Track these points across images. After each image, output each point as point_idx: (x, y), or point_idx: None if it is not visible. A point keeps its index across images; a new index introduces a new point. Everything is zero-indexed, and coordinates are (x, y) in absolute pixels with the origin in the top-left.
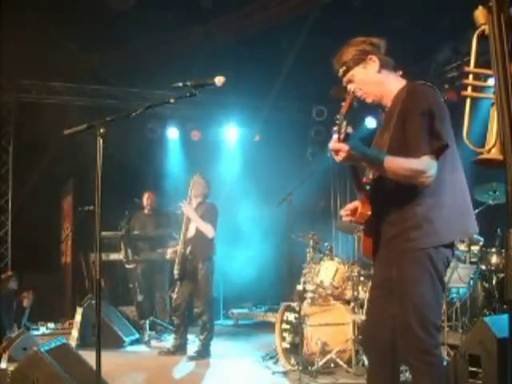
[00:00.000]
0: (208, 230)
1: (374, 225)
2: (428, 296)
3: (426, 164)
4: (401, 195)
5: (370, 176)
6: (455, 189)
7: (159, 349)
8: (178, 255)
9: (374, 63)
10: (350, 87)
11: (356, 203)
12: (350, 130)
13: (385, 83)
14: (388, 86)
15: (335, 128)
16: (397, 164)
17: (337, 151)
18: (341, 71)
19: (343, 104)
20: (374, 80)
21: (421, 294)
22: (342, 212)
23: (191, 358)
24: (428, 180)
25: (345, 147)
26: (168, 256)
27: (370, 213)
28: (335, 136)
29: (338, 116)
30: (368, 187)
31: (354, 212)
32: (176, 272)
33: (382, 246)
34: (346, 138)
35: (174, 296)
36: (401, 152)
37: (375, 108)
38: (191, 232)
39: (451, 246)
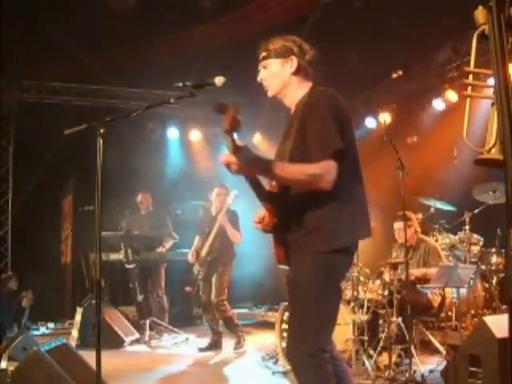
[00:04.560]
0: (237, 237)
1: (281, 231)
2: (316, 299)
3: (324, 168)
4: (301, 201)
5: (273, 183)
6: (353, 194)
7: (159, 349)
8: (201, 259)
9: (291, 64)
10: (261, 73)
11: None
12: (240, 143)
13: (291, 86)
14: (294, 91)
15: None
16: (293, 171)
17: (228, 164)
18: (261, 55)
19: (225, 119)
20: (282, 78)
21: (309, 297)
22: (255, 219)
23: (235, 348)
24: (328, 184)
25: (235, 160)
26: (189, 259)
27: (276, 220)
28: (227, 150)
29: (223, 131)
30: (271, 195)
31: (263, 220)
32: (199, 273)
33: (289, 247)
34: (236, 151)
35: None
36: (303, 158)
37: (374, 109)
38: (217, 239)
39: (348, 250)
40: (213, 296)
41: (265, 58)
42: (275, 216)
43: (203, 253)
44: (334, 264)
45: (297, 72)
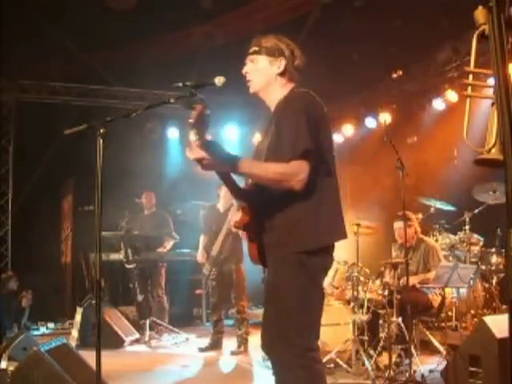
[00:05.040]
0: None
1: (255, 230)
2: (299, 300)
3: (294, 168)
4: (276, 201)
5: (249, 181)
6: (327, 194)
7: (159, 349)
8: (212, 258)
9: (279, 65)
10: (247, 66)
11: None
12: (208, 137)
13: (274, 87)
14: (276, 92)
15: (193, 137)
16: (263, 169)
17: (199, 160)
18: (252, 49)
19: (193, 114)
20: (267, 77)
21: (291, 298)
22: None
23: (233, 353)
24: (298, 184)
25: (205, 155)
26: (199, 259)
27: (248, 219)
28: (194, 144)
29: (189, 125)
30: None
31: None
32: (209, 273)
33: (265, 249)
34: (206, 146)
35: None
36: (277, 158)
37: (374, 109)
38: (228, 237)
39: (327, 250)
40: (233, 296)
41: (255, 52)
42: (249, 214)
43: (214, 252)
44: (313, 264)
45: (282, 74)
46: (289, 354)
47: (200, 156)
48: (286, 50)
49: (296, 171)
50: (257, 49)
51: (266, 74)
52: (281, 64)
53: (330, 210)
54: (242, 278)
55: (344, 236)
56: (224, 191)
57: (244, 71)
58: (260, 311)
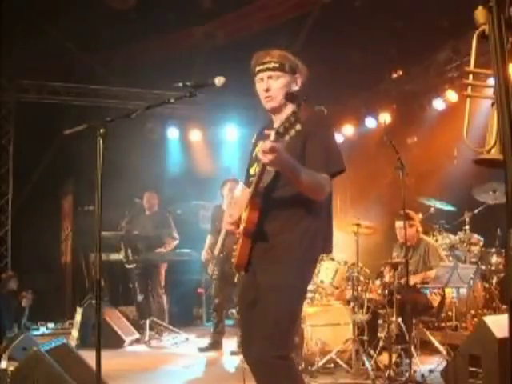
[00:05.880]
0: None
1: (256, 231)
2: (293, 304)
3: (326, 181)
4: (288, 208)
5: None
6: (329, 212)
7: (159, 349)
8: (214, 257)
9: (297, 82)
10: (270, 84)
11: (237, 212)
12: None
13: (290, 103)
14: (289, 107)
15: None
16: (310, 175)
17: (272, 151)
18: (271, 65)
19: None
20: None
21: (287, 302)
22: (228, 220)
23: (233, 353)
24: (323, 196)
25: (280, 150)
26: (203, 258)
27: (257, 220)
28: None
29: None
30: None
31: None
32: (213, 273)
33: (260, 252)
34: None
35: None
36: None
37: (374, 109)
38: (229, 235)
39: (318, 260)
40: (235, 295)
41: (276, 69)
42: (258, 215)
43: (216, 251)
44: (309, 271)
45: (298, 90)
46: (275, 357)
47: (277, 148)
48: (302, 69)
49: (326, 184)
50: (277, 65)
51: (287, 91)
52: (298, 82)
53: (329, 223)
54: None
55: (331, 250)
56: (227, 190)
57: (266, 88)
58: None
